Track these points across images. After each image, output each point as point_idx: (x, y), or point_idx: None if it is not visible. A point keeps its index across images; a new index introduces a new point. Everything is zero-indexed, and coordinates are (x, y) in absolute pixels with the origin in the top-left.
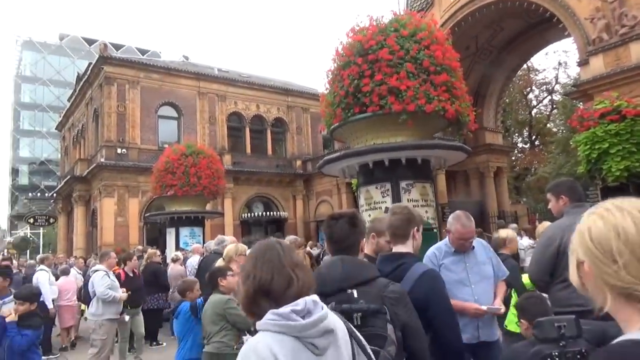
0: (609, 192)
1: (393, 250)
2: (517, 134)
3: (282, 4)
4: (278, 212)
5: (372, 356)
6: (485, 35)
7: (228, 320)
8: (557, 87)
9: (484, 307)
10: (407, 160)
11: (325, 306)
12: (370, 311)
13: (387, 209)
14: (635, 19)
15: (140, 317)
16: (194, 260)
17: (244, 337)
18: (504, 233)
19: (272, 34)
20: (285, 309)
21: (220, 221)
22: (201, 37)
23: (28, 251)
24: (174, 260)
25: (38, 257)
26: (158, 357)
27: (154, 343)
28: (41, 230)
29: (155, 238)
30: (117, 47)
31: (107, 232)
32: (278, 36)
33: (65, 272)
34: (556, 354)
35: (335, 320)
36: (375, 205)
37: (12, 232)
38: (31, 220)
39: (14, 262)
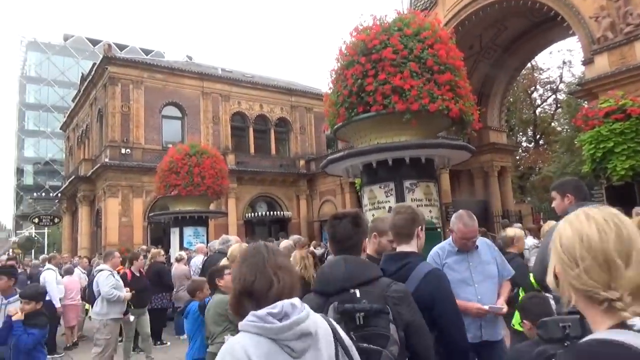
0: (613, 192)
1: (397, 250)
2: (521, 133)
3: (286, 3)
4: (282, 212)
5: None
6: (489, 34)
7: (231, 321)
8: (562, 86)
9: (486, 307)
10: (410, 159)
11: (307, 309)
12: (372, 311)
13: (390, 208)
14: None
15: (146, 317)
16: (197, 260)
17: (225, 337)
18: (511, 232)
19: (275, 33)
20: (263, 311)
21: (224, 221)
22: (205, 37)
23: (33, 251)
24: (178, 260)
25: (42, 257)
26: (163, 356)
27: (158, 342)
28: (46, 230)
29: (159, 238)
30: (121, 47)
31: (111, 232)
32: (282, 36)
33: (69, 272)
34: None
35: (317, 324)
36: (379, 204)
37: (17, 231)
38: (36, 220)
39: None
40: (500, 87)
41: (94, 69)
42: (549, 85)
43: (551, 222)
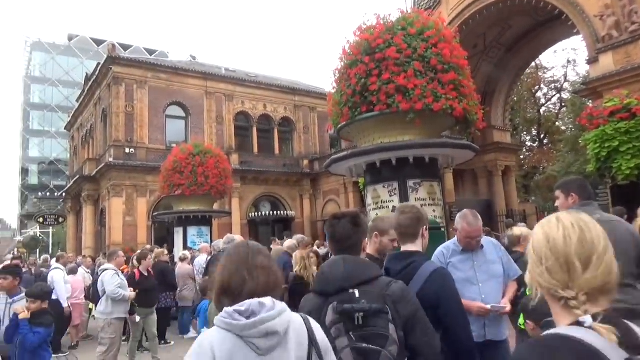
0: (619, 191)
1: (402, 249)
2: (525, 133)
3: (290, 3)
4: (285, 212)
5: None
6: (493, 33)
7: None
8: (566, 85)
9: (488, 306)
10: (414, 159)
11: (279, 309)
12: (372, 311)
13: (394, 208)
14: None
15: (154, 317)
16: (201, 259)
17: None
18: (518, 231)
19: (279, 33)
20: (231, 308)
21: (227, 220)
22: (209, 37)
23: (38, 250)
24: (182, 260)
25: (43, 257)
26: (167, 356)
27: (162, 342)
28: (50, 230)
29: (164, 237)
30: (125, 47)
31: (115, 231)
32: (285, 36)
33: (73, 271)
34: None
35: (291, 324)
36: (383, 204)
37: (22, 231)
38: (41, 220)
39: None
40: (505, 86)
41: (98, 69)
42: (553, 85)
43: None
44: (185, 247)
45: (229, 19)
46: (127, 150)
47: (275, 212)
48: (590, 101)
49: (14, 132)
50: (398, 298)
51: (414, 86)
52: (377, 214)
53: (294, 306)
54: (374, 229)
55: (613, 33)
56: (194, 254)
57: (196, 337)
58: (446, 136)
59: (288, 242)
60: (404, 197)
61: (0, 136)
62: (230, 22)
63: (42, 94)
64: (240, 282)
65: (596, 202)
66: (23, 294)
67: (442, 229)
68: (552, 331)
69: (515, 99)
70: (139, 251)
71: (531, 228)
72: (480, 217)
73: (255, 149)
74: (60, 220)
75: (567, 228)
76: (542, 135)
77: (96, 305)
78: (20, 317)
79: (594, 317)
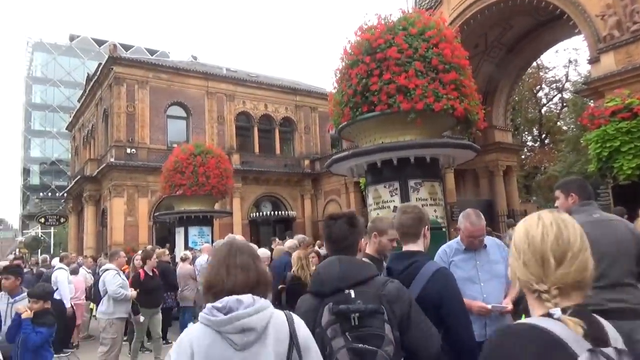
0: (620, 191)
1: (404, 249)
2: (526, 133)
3: (291, 3)
4: (286, 212)
5: None
6: (494, 33)
7: None
8: (568, 84)
9: (489, 306)
10: (415, 159)
11: (258, 306)
12: (367, 311)
13: (395, 207)
14: None
15: (159, 317)
16: (202, 260)
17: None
18: None
19: (280, 33)
20: (209, 304)
21: (228, 220)
22: (210, 37)
23: (39, 251)
24: (183, 260)
25: (42, 257)
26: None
27: (163, 342)
28: (52, 230)
29: (165, 237)
30: (127, 47)
31: (116, 231)
32: (286, 36)
33: (75, 272)
34: None
35: (271, 322)
36: (384, 204)
37: (24, 231)
38: (42, 220)
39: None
40: (506, 86)
41: (99, 69)
42: (554, 84)
43: None
44: (186, 247)
45: (230, 19)
46: (128, 151)
47: (276, 212)
48: (592, 101)
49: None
50: (394, 298)
51: (415, 86)
52: (378, 214)
53: (292, 306)
54: (373, 229)
55: (614, 33)
56: (195, 254)
57: None
58: (447, 136)
59: (289, 242)
60: (405, 197)
61: (2, 136)
62: (232, 22)
63: (44, 94)
64: (219, 280)
65: (596, 202)
66: (24, 294)
67: (443, 229)
68: (522, 321)
69: (516, 98)
70: (140, 251)
71: None
72: (483, 217)
73: (256, 149)
74: (62, 220)
75: (546, 226)
76: (544, 135)
77: (97, 306)
78: (23, 316)
79: (564, 310)
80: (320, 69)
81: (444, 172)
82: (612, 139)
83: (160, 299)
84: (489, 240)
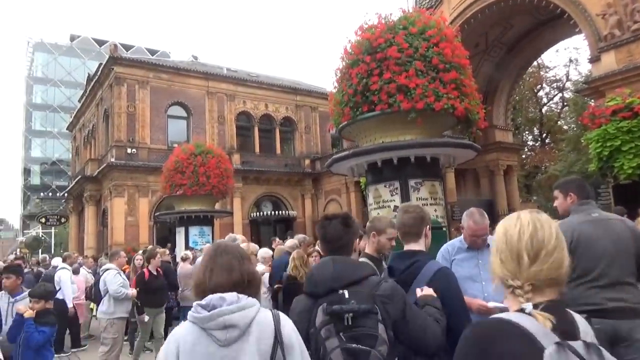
0: (621, 190)
1: (405, 249)
2: (527, 132)
3: (292, 3)
4: (287, 211)
5: None
6: (495, 32)
7: None
8: (568, 84)
9: (490, 304)
10: (416, 158)
11: (242, 304)
12: (361, 311)
13: (395, 207)
14: None
15: (163, 316)
16: None
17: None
18: None
19: (281, 33)
20: (195, 302)
21: (229, 220)
22: (210, 37)
23: (40, 250)
24: (184, 259)
25: (41, 256)
26: None
27: (164, 341)
28: (53, 230)
29: (165, 237)
30: (127, 47)
31: (117, 231)
32: (287, 35)
33: (75, 272)
34: None
35: (256, 319)
36: (384, 203)
37: (25, 231)
38: (43, 220)
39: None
40: (506, 86)
41: (100, 69)
42: (555, 84)
43: (557, 222)
44: (187, 247)
45: (231, 19)
46: (128, 151)
47: (276, 212)
48: (593, 100)
49: (16, 132)
50: (388, 297)
51: (416, 85)
52: (378, 214)
53: (288, 305)
54: (372, 229)
55: (615, 32)
56: (195, 254)
57: None
58: (448, 135)
59: (289, 242)
60: (405, 197)
61: (3, 137)
62: (232, 22)
63: (44, 95)
64: (203, 280)
65: (597, 201)
66: (24, 294)
67: (444, 229)
68: (495, 315)
69: (517, 98)
70: (140, 251)
71: None
72: (486, 216)
73: (257, 149)
74: (63, 220)
75: (523, 225)
76: (544, 135)
77: (98, 305)
78: (25, 315)
79: (536, 306)
80: (321, 69)
81: (444, 172)
82: (612, 139)
83: (164, 299)
84: (491, 239)
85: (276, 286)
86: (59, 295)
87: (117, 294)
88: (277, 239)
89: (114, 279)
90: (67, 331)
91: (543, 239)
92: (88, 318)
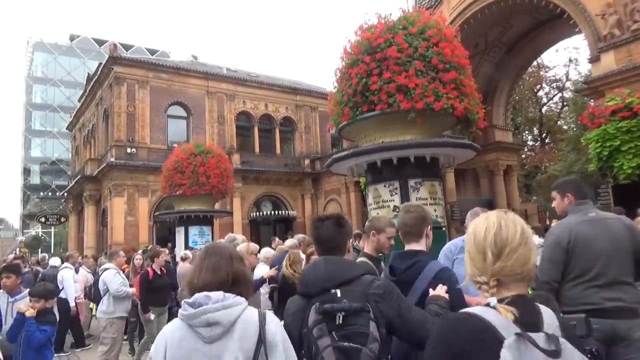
0: (620, 190)
1: (406, 248)
2: (527, 132)
3: (291, 3)
4: (286, 211)
5: None
6: (495, 32)
7: None
8: (568, 84)
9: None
10: (415, 158)
11: (228, 302)
12: (352, 310)
13: (395, 207)
14: None
15: (166, 316)
16: None
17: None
18: None
19: (281, 33)
20: (184, 300)
21: (229, 220)
22: (210, 37)
23: (39, 250)
24: (183, 259)
25: (40, 256)
26: None
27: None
28: (52, 230)
29: (165, 237)
30: (127, 47)
31: (117, 231)
32: (287, 35)
33: (75, 271)
34: None
35: (240, 318)
36: (384, 203)
37: (24, 231)
38: (42, 220)
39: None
40: (506, 86)
41: (99, 69)
42: (555, 84)
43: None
44: (186, 246)
45: (231, 19)
46: (128, 150)
47: (276, 212)
48: (592, 100)
49: (16, 132)
50: (380, 296)
51: (415, 85)
52: (378, 214)
53: (284, 305)
54: (371, 228)
55: (615, 32)
56: (195, 254)
57: None
58: (447, 135)
59: (289, 242)
60: (405, 197)
61: (2, 136)
62: (232, 22)
63: (44, 94)
64: (192, 279)
65: (597, 201)
66: (24, 293)
67: (444, 229)
68: (463, 310)
69: (516, 98)
70: (140, 250)
71: (533, 228)
72: None
73: (257, 149)
74: (62, 220)
75: (489, 224)
76: (544, 135)
77: (97, 305)
78: (27, 314)
79: (502, 300)
80: (321, 69)
81: (444, 172)
82: (612, 138)
83: (167, 298)
84: None
85: (271, 285)
86: (61, 295)
87: (118, 293)
88: (277, 239)
89: (114, 278)
90: (68, 331)
91: (507, 237)
92: (88, 317)
